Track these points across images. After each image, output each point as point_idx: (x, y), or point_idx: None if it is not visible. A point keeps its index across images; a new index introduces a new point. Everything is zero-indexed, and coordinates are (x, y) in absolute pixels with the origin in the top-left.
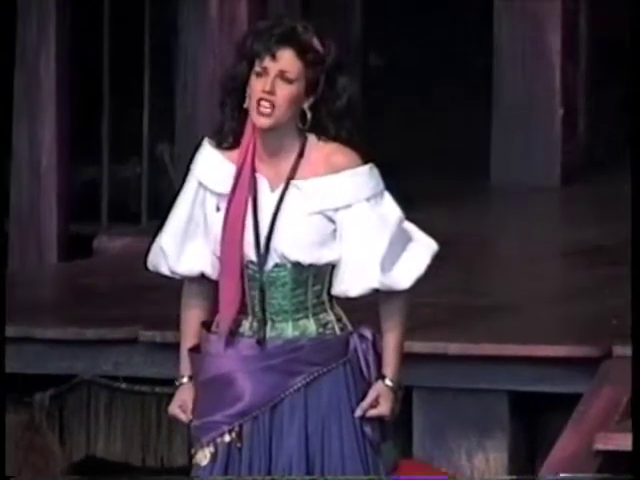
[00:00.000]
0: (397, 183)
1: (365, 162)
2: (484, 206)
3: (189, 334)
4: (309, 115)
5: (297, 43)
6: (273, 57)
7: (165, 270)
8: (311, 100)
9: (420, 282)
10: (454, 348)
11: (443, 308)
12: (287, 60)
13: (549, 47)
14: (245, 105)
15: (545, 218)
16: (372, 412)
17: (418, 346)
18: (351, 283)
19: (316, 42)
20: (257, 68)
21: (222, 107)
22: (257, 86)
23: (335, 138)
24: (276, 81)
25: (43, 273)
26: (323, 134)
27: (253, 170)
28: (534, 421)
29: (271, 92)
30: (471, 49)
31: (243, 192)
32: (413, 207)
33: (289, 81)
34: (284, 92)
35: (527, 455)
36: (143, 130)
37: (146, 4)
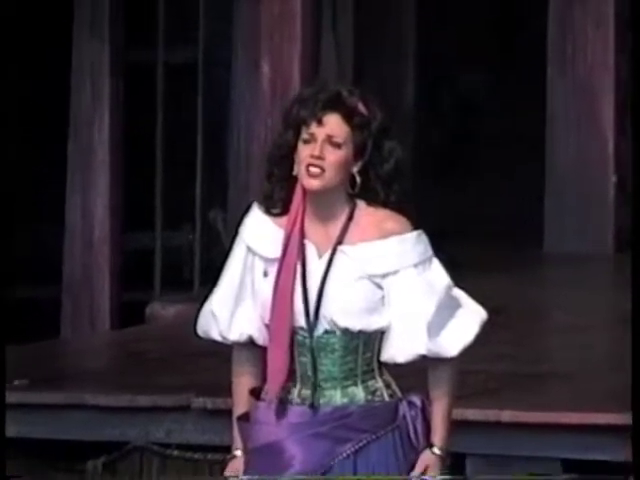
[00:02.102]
0: (448, 250)
1: (415, 229)
2: (536, 274)
3: (240, 402)
4: (358, 179)
5: (343, 107)
6: (320, 122)
7: (216, 335)
8: (360, 164)
9: (472, 349)
10: (507, 415)
11: (495, 375)
12: (334, 125)
13: (602, 115)
14: (294, 173)
15: (598, 286)
16: None
17: (471, 413)
18: (398, 349)
19: (361, 106)
20: (304, 135)
21: (270, 176)
22: (305, 152)
23: (385, 203)
24: (324, 146)
25: (96, 341)
26: (373, 199)
27: (302, 236)
28: None
29: (320, 157)
30: (524, 117)
31: (292, 258)
32: (464, 275)
33: (337, 145)
34: (333, 157)
35: None
36: (196, 197)
37: (199, 73)
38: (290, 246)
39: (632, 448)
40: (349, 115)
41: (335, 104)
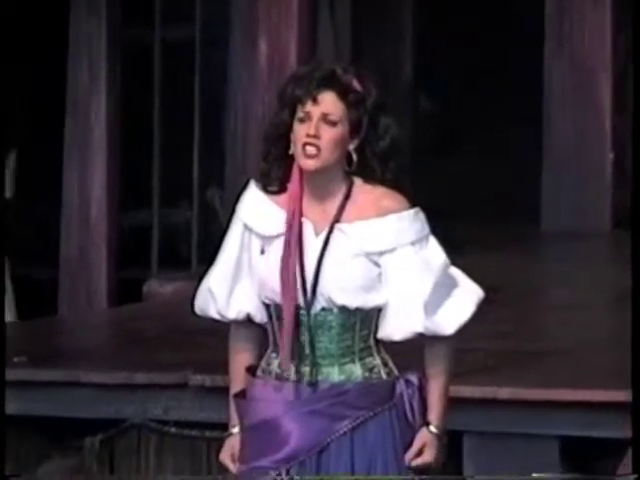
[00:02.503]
0: (446, 229)
1: (412, 207)
2: (534, 252)
3: (237, 379)
4: (355, 157)
5: (338, 85)
6: (315, 101)
7: (214, 313)
8: (356, 142)
9: (469, 327)
10: (504, 393)
11: (493, 353)
12: (329, 103)
13: (599, 93)
14: (290, 151)
15: (596, 263)
16: (417, 461)
17: (468, 391)
18: (395, 327)
19: (356, 83)
20: (300, 113)
21: (266, 155)
22: (301, 131)
23: (382, 181)
24: (320, 124)
25: (93, 318)
26: (370, 176)
27: (301, 214)
28: (585, 466)
29: (316, 136)
30: (521, 95)
31: (294, 237)
32: (463, 253)
33: (332, 123)
34: (328, 135)
35: None
36: (193, 175)
37: (196, 51)
38: (293, 225)
39: (632, 425)
40: (344, 93)
41: (330, 82)
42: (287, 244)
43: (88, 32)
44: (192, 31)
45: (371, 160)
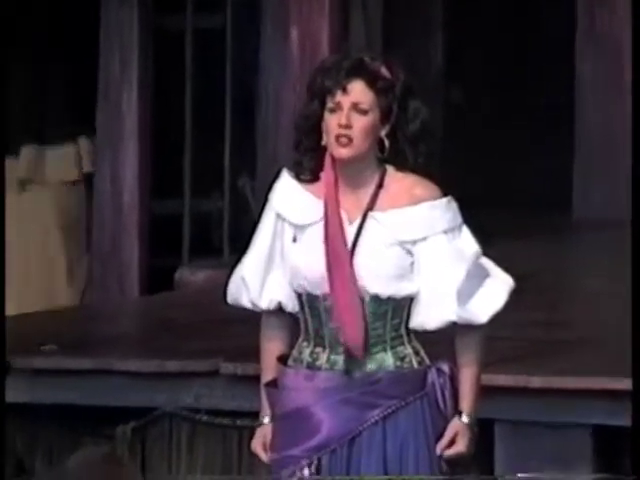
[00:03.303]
0: (477, 217)
1: (444, 195)
2: (566, 240)
3: (269, 368)
4: (387, 143)
5: (366, 73)
6: (344, 90)
7: (246, 303)
8: (387, 128)
9: (501, 315)
10: (536, 381)
11: (525, 341)
12: (359, 91)
13: (625, 80)
14: (323, 142)
15: (627, 252)
16: (449, 452)
17: (500, 379)
18: (428, 315)
19: (384, 70)
20: (330, 104)
21: (298, 146)
22: (332, 122)
23: (414, 166)
24: (351, 114)
25: (125, 306)
26: (402, 162)
27: (338, 202)
28: (617, 455)
29: (347, 125)
30: (552, 82)
31: (335, 224)
32: (493, 241)
33: (363, 112)
34: (360, 123)
35: None
36: (225, 164)
37: (227, 40)
38: (330, 212)
39: (632, 425)
40: (373, 80)
41: (358, 71)
42: (327, 230)
43: (119, 21)
44: (223, 19)
45: (402, 145)
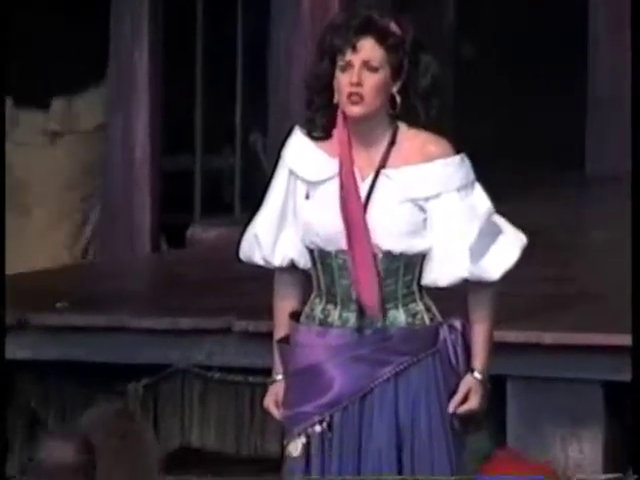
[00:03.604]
0: (489, 172)
1: (457, 152)
2: (578, 195)
3: (281, 325)
4: (398, 99)
5: (375, 31)
6: (354, 49)
7: (259, 260)
8: (399, 84)
9: (513, 272)
10: (548, 337)
11: (536, 298)
12: (369, 49)
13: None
14: (335, 101)
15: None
16: (463, 408)
17: (511, 336)
18: (441, 272)
19: (394, 26)
20: (340, 62)
21: (310, 104)
22: (344, 80)
23: (425, 121)
24: (362, 72)
25: (136, 263)
26: (414, 118)
27: (352, 160)
28: (628, 411)
29: (359, 83)
30: (566, 39)
31: (350, 182)
32: (505, 198)
33: (374, 69)
34: (371, 81)
35: (621, 444)
36: (236, 121)
37: None
38: (344, 170)
39: (632, 424)
40: (383, 37)
41: (367, 28)
42: (342, 188)
43: None
44: None
45: (414, 100)
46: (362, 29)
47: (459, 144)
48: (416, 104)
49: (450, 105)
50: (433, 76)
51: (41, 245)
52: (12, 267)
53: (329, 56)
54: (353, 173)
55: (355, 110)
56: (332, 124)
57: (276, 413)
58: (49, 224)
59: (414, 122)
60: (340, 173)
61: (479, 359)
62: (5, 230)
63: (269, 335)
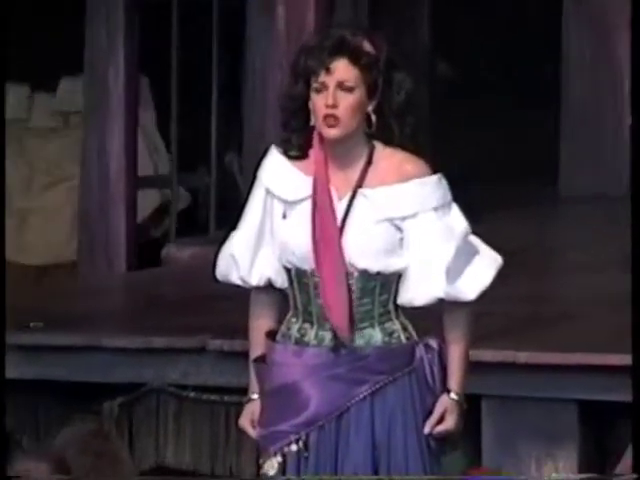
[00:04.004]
0: (464, 192)
1: (434, 172)
2: (552, 215)
3: (258, 344)
4: (374, 118)
5: (349, 51)
6: (328, 70)
7: (236, 280)
8: (374, 103)
9: (488, 291)
10: (523, 357)
11: (511, 317)
12: (342, 70)
13: (618, 55)
14: (311, 123)
15: (613, 227)
16: (439, 428)
17: (487, 355)
18: (416, 292)
19: (367, 45)
20: (315, 84)
21: (286, 126)
22: (319, 102)
23: (400, 139)
24: (336, 93)
25: (112, 282)
26: (389, 136)
27: (328, 179)
28: (603, 430)
29: (334, 105)
30: (540, 56)
31: (325, 200)
32: (480, 216)
33: (349, 90)
34: (347, 102)
35: (597, 464)
36: (211, 140)
37: (214, 16)
38: (319, 189)
39: (632, 425)
40: (356, 57)
41: (340, 49)
42: (315, 207)
43: None
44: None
45: (389, 118)
46: (335, 50)
47: (435, 164)
48: (391, 122)
49: (427, 125)
50: (407, 93)
51: (61, 220)
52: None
53: (303, 78)
54: (329, 192)
55: (332, 132)
56: (308, 144)
57: (252, 432)
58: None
59: (389, 140)
60: (314, 192)
61: (455, 379)
62: (5, 234)
63: (244, 354)
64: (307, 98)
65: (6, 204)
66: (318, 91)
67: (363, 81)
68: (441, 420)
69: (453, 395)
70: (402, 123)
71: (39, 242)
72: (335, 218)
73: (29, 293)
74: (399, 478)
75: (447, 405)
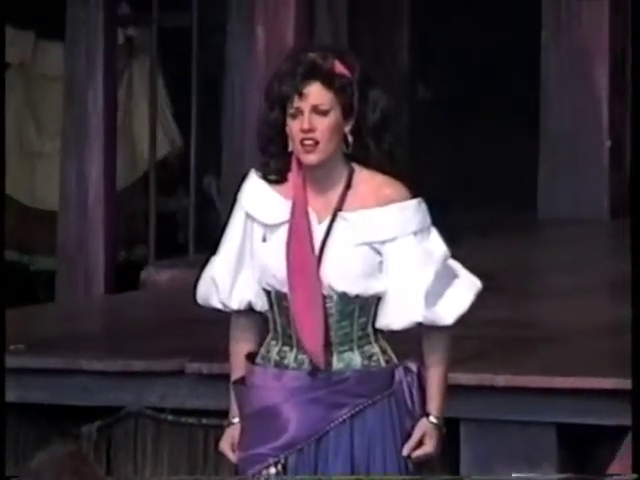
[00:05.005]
0: (444, 216)
1: (413, 196)
2: (531, 239)
3: (238, 368)
4: (350, 138)
5: (321, 74)
6: (302, 95)
7: (217, 304)
8: (351, 123)
9: (467, 314)
10: (501, 380)
11: (490, 340)
12: (316, 94)
13: (596, 79)
14: (290, 149)
15: (592, 251)
16: (418, 452)
17: (465, 378)
18: (395, 316)
19: (339, 66)
20: (290, 110)
21: (264, 151)
22: (295, 127)
23: (380, 162)
24: (312, 117)
25: (90, 305)
26: (366, 154)
27: (306, 203)
28: (582, 453)
29: (310, 129)
30: (518, 82)
31: (301, 225)
32: (459, 239)
33: (324, 113)
34: (323, 125)
35: None
36: (190, 162)
37: (193, 38)
38: (297, 213)
39: (632, 425)
40: (329, 80)
41: (313, 73)
42: (291, 231)
43: (85, 19)
44: (189, 17)
45: (365, 136)
46: (307, 75)
47: (414, 186)
48: (368, 140)
49: (406, 147)
50: (383, 110)
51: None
52: None
53: (278, 104)
54: (307, 217)
55: (310, 158)
56: (287, 168)
57: (232, 456)
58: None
59: (366, 158)
60: (292, 217)
61: (434, 403)
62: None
63: (222, 377)
64: (284, 124)
65: (18, 149)
66: (294, 116)
67: (338, 102)
68: (420, 444)
69: (432, 419)
70: (379, 140)
71: (52, 187)
72: (312, 245)
73: (10, 316)
74: (377, 477)
75: (426, 429)
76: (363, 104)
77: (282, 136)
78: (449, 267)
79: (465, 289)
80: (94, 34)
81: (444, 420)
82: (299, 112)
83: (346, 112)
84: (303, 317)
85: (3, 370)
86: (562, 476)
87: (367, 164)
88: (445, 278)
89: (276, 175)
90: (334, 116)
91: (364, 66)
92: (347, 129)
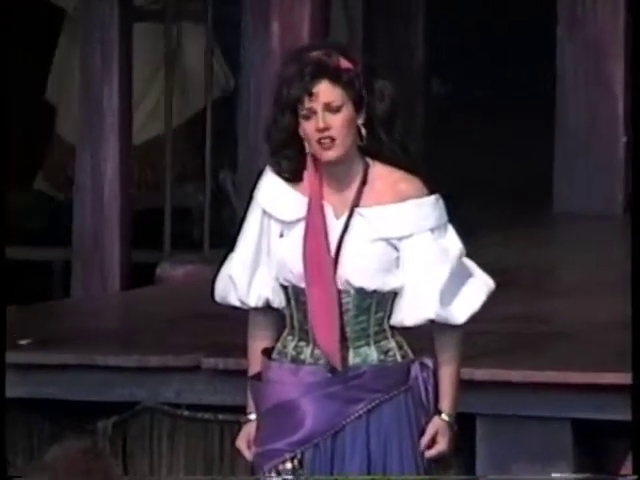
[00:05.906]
0: (458, 211)
1: (430, 192)
2: (546, 234)
3: (256, 365)
4: (363, 131)
5: (328, 72)
6: (312, 95)
7: (235, 301)
8: (363, 116)
9: (483, 310)
10: (517, 376)
11: (505, 336)
12: (326, 92)
13: (612, 75)
14: (307, 151)
15: (608, 246)
16: (431, 452)
17: (480, 374)
18: (408, 312)
19: (344, 61)
20: (302, 112)
21: (277, 155)
22: (310, 128)
23: (392, 153)
24: (325, 115)
25: (106, 301)
26: (379, 144)
27: (322, 199)
28: (598, 449)
29: (326, 128)
30: (533, 76)
31: (318, 222)
32: (474, 235)
33: (337, 109)
34: (337, 122)
35: None
36: (206, 158)
37: (208, 32)
38: (313, 210)
39: (632, 425)
40: (337, 76)
41: (319, 72)
42: (307, 229)
43: (100, 15)
44: (204, 12)
45: (377, 128)
46: (315, 74)
47: (430, 181)
48: (379, 130)
49: (421, 143)
50: (391, 99)
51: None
52: None
53: (289, 108)
54: (323, 215)
55: (329, 154)
56: (303, 167)
57: (247, 454)
58: None
59: (379, 149)
60: (308, 214)
61: (447, 401)
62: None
63: (238, 372)
64: (296, 126)
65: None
66: (307, 117)
67: (348, 97)
68: (433, 442)
69: (444, 416)
70: (390, 130)
71: None
72: (328, 243)
73: (23, 311)
74: (394, 477)
75: (438, 426)
76: (370, 95)
77: (296, 139)
78: (464, 265)
79: (478, 289)
80: (109, 30)
81: (458, 415)
82: (312, 112)
83: (357, 105)
84: (318, 317)
85: (3, 370)
86: (579, 476)
87: (380, 156)
88: (460, 277)
89: (289, 175)
90: (347, 111)
91: (366, 58)
92: (360, 122)
